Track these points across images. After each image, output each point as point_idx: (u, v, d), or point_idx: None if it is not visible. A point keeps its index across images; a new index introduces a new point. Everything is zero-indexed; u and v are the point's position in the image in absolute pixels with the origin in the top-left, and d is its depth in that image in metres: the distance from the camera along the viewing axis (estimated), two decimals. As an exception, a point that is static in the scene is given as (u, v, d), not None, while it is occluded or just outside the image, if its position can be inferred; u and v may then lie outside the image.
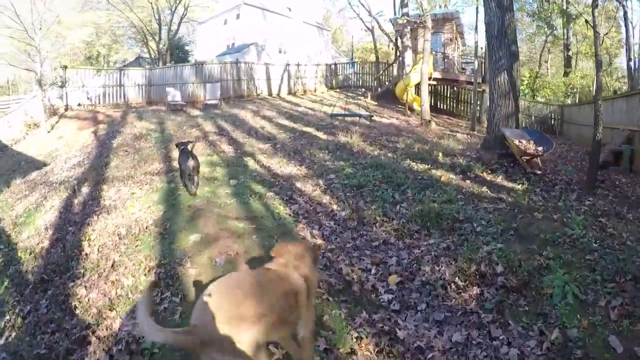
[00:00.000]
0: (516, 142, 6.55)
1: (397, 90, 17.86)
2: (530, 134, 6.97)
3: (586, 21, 8.50)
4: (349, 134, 9.86)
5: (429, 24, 13.98)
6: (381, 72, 21.57)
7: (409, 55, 17.91)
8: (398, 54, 20.28)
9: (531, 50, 32.61)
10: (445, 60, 19.17)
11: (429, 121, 13.27)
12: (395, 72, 19.98)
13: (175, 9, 27.19)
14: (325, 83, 23.43)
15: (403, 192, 5.75)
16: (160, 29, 28.11)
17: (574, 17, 18.63)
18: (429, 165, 7.08)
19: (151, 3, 26.35)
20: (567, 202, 5.44)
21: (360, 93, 20.97)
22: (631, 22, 17.56)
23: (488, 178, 6.45)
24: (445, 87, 19.58)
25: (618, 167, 8.33)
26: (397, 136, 10.60)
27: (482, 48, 16.70)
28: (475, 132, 13.63)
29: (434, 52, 17.58)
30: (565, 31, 21.72)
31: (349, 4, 23.94)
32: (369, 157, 7.90)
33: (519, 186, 6.00)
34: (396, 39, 21.93)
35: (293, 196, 5.84)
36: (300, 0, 31.98)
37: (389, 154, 8.07)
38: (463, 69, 21.00)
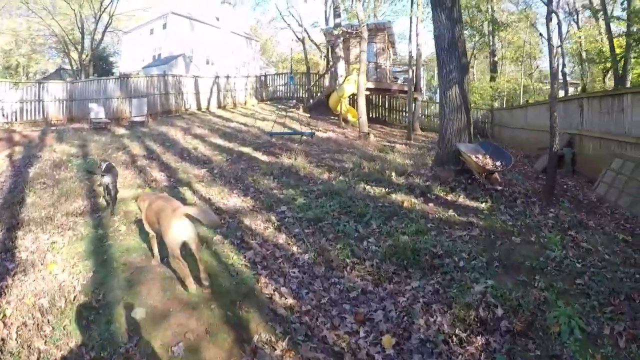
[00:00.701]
0: (473, 157, 6.62)
1: (330, 102, 17.98)
2: (484, 148, 7.11)
3: (540, 34, 9.13)
4: (292, 154, 9.55)
5: (365, 34, 14.24)
6: (313, 83, 21.64)
7: (341, 66, 18.13)
8: (330, 64, 20.49)
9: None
10: (378, 70, 19.71)
11: (368, 134, 13.45)
12: (327, 83, 20.14)
13: (99, 17, 25.74)
14: (255, 95, 23.24)
15: (367, 224, 5.50)
16: (83, 38, 26.56)
17: (504, 25, 20.27)
18: (386, 189, 6.94)
19: (74, 10, 25.00)
20: (534, 217, 5.59)
21: (291, 105, 20.93)
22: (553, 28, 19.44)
23: (449, 198, 6.45)
24: (378, 96, 20.24)
25: (561, 170, 8.89)
26: (340, 153, 10.51)
27: (413, 57, 17.39)
28: (412, 142, 14.09)
29: (367, 62, 17.98)
30: (491, 38, 23.52)
31: (280, 14, 24.06)
32: (320, 182, 7.61)
33: (483, 204, 6.05)
34: (328, 50, 22.19)
35: (244, 238, 5.30)
36: (229, 10, 31.64)
37: (340, 177, 7.83)
38: (395, 78, 21.77)
